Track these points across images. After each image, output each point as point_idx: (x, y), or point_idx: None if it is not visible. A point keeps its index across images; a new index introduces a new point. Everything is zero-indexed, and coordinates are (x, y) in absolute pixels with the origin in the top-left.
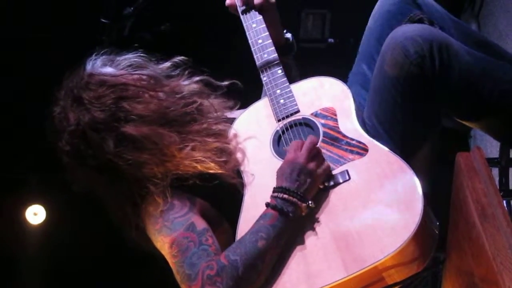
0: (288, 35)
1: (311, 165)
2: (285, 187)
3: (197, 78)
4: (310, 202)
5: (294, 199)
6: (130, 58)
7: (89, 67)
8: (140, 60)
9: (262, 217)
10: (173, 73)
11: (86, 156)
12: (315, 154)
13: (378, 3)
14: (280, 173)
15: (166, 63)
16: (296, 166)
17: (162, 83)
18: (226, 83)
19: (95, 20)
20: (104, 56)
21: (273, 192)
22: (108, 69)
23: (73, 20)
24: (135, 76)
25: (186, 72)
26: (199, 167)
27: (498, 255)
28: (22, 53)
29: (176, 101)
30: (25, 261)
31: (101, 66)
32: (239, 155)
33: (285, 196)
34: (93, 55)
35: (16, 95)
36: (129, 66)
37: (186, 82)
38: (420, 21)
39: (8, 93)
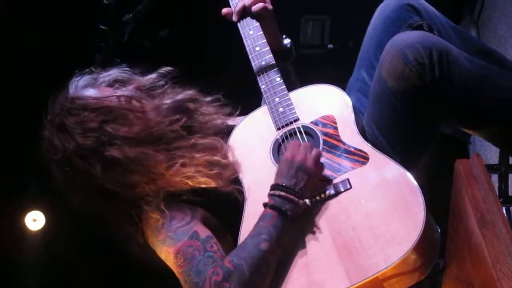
0: (287, 41)
1: (308, 163)
2: (282, 184)
3: (182, 93)
4: (307, 200)
5: (291, 196)
6: (113, 74)
7: (71, 90)
8: (124, 74)
9: (261, 218)
10: (159, 85)
11: (77, 181)
12: (313, 152)
13: (377, 10)
14: (277, 172)
15: (152, 75)
16: (293, 164)
17: (145, 101)
18: (210, 98)
19: (93, 27)
20: (86, 76)
21: (270, 189)
22: (90, 91)
23: (72, 27)
24: (118, 98)
25: (172, 84)
26: (190, 182)
27: (498, 262)
28: (22, 59)
29: (160, 120)
30: (24, 267)
31: (83, 88)
32: (237, 165)
33: (282, 193)
34: (76, 76)
35: (16, 102)
36: (114, 81)
37: (171, 97)
38: (419, 27)
39: (8, 99)
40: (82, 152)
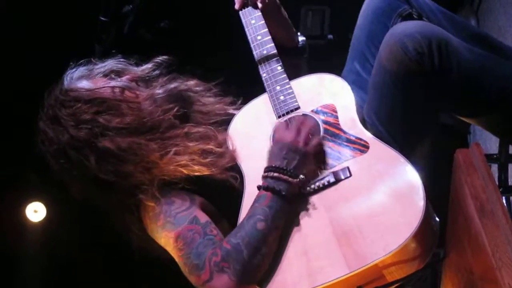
0: (301, 38)
1: (299, 142)
2: (274, 165)
3: (177, 82)
4: (301, 176)
5: (285, 177)
6: (108, 64)
7: (66, 82)
8: (119, 65)
9: (256, 200)
10: (154, 75)
11: (73, 173)
12: (303, 132)
13: (366, 1)
14: (269, 154)
15: (147, 64)
16: (283, 145)
17: (139, 92)
18: (210, 86)
19: (94, 18)
20: (81, 68)
21: (264, 172)
22: (83, 83)
23: (72, 18)
24: (111, 88)
25: (168, 72)
26: (184, 171)
27: (497, 251)
28: (22, 52)
29: (153, 109)
30: (25, 258)
31: (77, 79)
32: (236, 153)
33: (275, 174)
34: (71, 67)
35: (15, 93)
36: (110, 72)
37: (164, 86)
38: (409, 16)
39: (7, 91)
40: (75, 144)
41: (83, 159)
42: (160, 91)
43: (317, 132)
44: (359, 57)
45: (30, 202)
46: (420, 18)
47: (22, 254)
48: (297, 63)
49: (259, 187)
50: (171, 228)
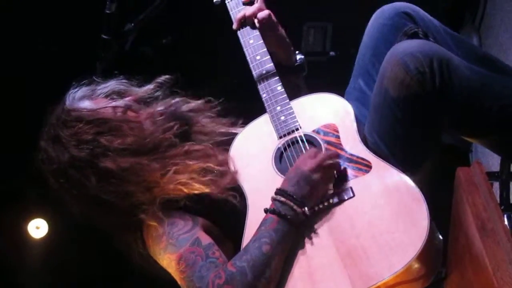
0: (300, 57)
1: (315, 175)
2: (285, 190)
3: (178, 99)
4: (306, 209)
5: (291, 203)
6: (110, 85)
7: (68, 102)
8: (121, 86)
9: (263, 223)
10: (156, 96)
11: (72, 193)
12: (324, 167)
13: (372, 18)
14: (285, 177)
15: (149, 85)
16: (300, 173)
17: (140, 111)
18: (202, 100)
19: (95, 36)
20: (83, 88)
21: (274, 193)
22: (86, 103)
23: (74, 36)
24: (113, 109)
25: (170, 92)
26: (184, 189)
27: (498, 270)
28: (22, 67)
29: (154, 129)
30: (27, 274)
31: (79, 99)
32: (238, 173)
33: (283, 199)
34: (74, 87)
35: (15, 108)
36: (112, 93)
37: (165, 105)
38: (414, 34)
39: (7, 106)
40: (76, 163)
41: (84, 179)
42: (160, 109)
43: (339, 168)
44: (364, 75)
45: (32, 218)
46: (426, 37)
47: (23, 270)
48: (295, 81)
49: (266, 210)
50: (173, 250)
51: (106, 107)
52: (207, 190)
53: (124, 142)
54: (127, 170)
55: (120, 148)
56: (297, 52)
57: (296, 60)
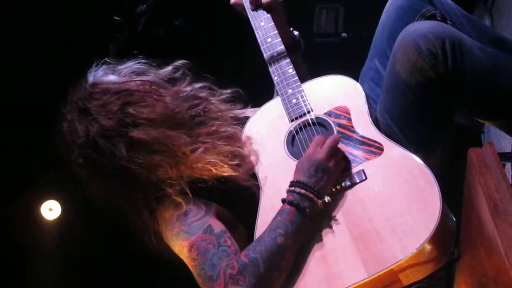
0: (295, 33)
1: (330, 163)
2: (302, 181)
3: (199, 83)
4: (327, 198)
5: (311, 195)
6: (131, 65)
7: (91, 78)
8: (141, 66)
9: (279, 213)
10: (175, 77)
11: (100, 164)
12: (335, 152)
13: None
14: (299, 167)
15: (167, 68)
16: (315, 162)
17: (164, 87)
18: (228, 90)
19: (108, 18)
20: (104, 66)
21: (290, 186)
22: (111, 77)
23: (87, 18)
24: (138, 82)
25: (188, 76)
26: (213, 170)
27: (510, 251)
28: (40, 53)
29: (180, 104)
30: (40, 256)
31: (103, 75)
32: (252, 158)
33: (302, 191)
34: (94, 66)
35: (31, 94)
36: (131, 73)
37: (188, 86)
38: (432, 17)
39: (24, 92)
40: (106, 133)
41: (113, 148)
42: (186, 89)
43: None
44: (380, 55)
45: (45, 200)
46: (443, 19)
47: (37, 252)
48: (295, 59)
49: (283, 200)
50: (185, 237)
51: (132, 80)
52: (234, 173)
53: (152, 113)
54: (156, 140)
55: (149, 118)
56: (291, 28)
57: (294, 37)
